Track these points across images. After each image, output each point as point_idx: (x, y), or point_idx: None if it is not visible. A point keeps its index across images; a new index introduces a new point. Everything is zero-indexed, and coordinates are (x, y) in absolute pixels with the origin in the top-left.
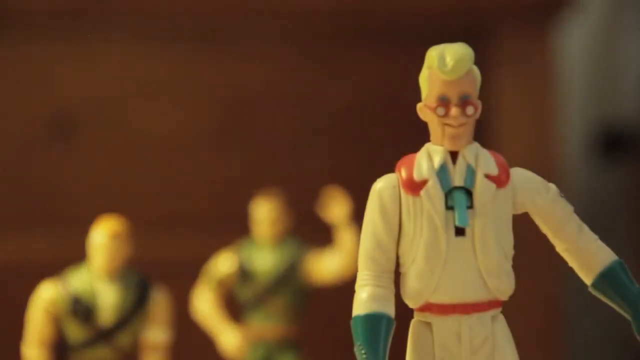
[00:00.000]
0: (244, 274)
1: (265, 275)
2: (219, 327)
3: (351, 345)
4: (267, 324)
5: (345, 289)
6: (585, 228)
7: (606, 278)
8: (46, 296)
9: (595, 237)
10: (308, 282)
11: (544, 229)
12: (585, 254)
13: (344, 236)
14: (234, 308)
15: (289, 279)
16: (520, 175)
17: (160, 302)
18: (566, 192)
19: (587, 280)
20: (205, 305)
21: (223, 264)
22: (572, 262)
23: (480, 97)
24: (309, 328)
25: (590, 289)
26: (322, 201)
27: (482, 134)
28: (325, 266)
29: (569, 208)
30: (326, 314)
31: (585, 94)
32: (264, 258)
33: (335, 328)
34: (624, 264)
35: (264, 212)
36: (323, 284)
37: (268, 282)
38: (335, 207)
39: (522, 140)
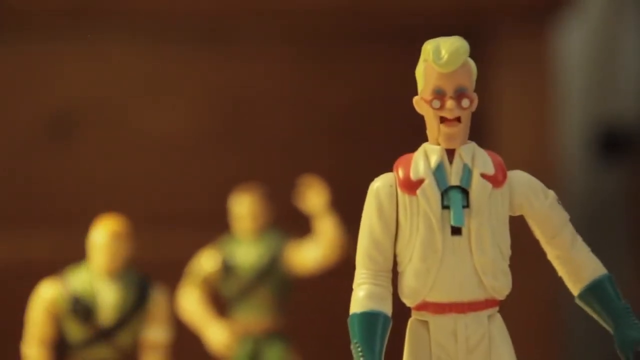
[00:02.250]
0: (227, 270)
1: (247, 269)
2: (206, 325)
3: (338, 333)
4: (253, 317)
5: (329, 277)
6: (579, 238)
7: (594, 291)
8: (46, 296)
9: (588, 248)
10: (290, 273)
11: (538, 234)
12: (576, 264)
13: (323, 225)
14: (219, 304)
15: (271, 271)
16: (520, 177)
17: (160, 301)
18: (566, 192)
19: (574, 290)
20: (191, 303)
21: (206, 262)
22: (561, 271)
23: (480, 97)
24: (295, 318)
25: (577, 300)
26: (300, 191)
27: (482, 134)
28: (306, 256)
29: (566, 216)
30: (312, 303)
31: (585, 94)
32: (246, 252)
33: (321, 317)
34: (613, 279)
35: (245, 207)
36: (305, 273)
37: (251, 275)
38: (313, 197)
39: (522, 140)
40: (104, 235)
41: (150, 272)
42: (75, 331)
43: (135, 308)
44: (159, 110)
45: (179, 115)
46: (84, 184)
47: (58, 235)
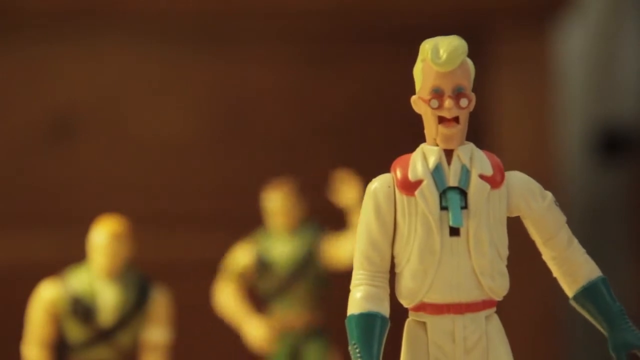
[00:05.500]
0: (262, 266)
1: (283, 265)
2: (245, 320)
3: None
4: (291, 313)
5: None
6: (575, 240)
7: (589, 292)
8: (46, 296)
9: (583, 250)
10: (326, 267)
11: (534, 235)
12: (571, 266)
13: (357, 218)
14: (256, 301)
15: (307, 267)
16: (517, 178)
17: (160, 302)
18: (566, 192)
19: (569, 292)
20: (228, 298)
21: (241, 256)
22: (556, 272)
23: (480, 97)
24: (333, 313)
25: (571, 302)
26: (333, 185)
27: (482, 134)
28: (341, 250)
29: (562, 218)
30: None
31: (585, 94)
32: (282, 248)
33: None
34: (607, 281)
35: (277, 202)
36: (342, 267)
37: (287, 271)
38: (346, 191)
39: (522, 140)
40: (104, 236)
41: (150, 272)
42: (76, 332)
43: (135, 309)
44: (159, 110)
45: (179, 116)
46: (84, 185)
47: (58, 235)
